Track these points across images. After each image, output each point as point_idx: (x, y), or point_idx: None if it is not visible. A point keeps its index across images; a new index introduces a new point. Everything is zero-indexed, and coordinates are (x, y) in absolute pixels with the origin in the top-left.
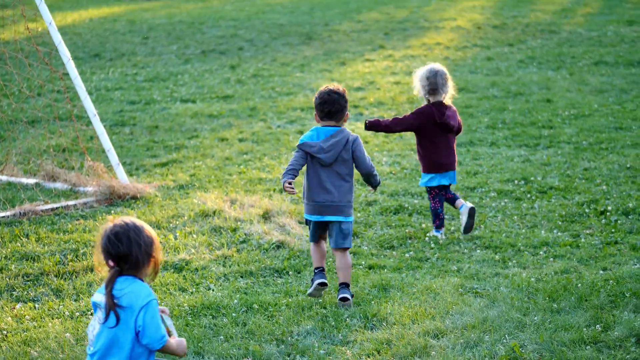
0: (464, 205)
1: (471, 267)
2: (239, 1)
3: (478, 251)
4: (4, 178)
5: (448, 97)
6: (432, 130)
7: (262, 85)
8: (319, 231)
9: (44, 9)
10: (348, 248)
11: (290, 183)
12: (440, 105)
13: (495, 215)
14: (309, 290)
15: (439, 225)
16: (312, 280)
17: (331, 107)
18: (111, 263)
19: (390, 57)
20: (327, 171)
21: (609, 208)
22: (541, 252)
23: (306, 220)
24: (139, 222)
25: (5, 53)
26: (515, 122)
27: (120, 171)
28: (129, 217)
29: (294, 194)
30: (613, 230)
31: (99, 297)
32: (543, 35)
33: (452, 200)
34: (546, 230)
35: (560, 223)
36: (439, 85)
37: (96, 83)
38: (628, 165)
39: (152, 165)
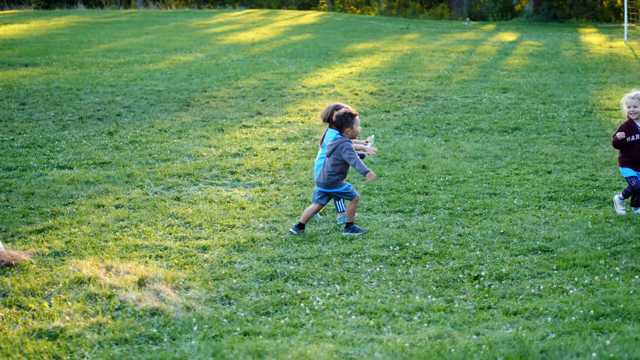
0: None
1: (346, 332)
2: (117, 67)
3: (353, 317)
4: None
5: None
6: None
7: (139, 152)
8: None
9: None
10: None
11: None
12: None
13: (370, 281)
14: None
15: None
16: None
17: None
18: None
19: (267, 123)
20: None
21: (483, 273)
22: (415, 318)
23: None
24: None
25: None
26: (391, 188)
27: None
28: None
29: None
30: (486, 295)
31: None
32: (419, 102)
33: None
34: (420, 295)
35: (434, 288)
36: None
37: None
38: (502, 231)
39: (27, 232)
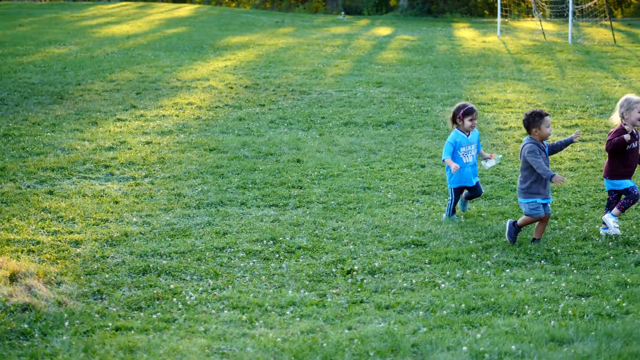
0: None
1: (218, 327)
2: None
3: (225, 312)
4: None
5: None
6: None
7: (12, 145)
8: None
9: None
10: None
11: None
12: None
13: (243, 275)
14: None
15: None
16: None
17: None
18: None
19: (142, 117)
20: None
21: (356, 267)
22: (288, 312)
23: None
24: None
25: None
26: (266, 182)
27: None
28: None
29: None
30: (359, 289)
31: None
32: (294, 96)
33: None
34: (293, 290)
35: (307, 283)
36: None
37: None
38: (375, 225)
39: None
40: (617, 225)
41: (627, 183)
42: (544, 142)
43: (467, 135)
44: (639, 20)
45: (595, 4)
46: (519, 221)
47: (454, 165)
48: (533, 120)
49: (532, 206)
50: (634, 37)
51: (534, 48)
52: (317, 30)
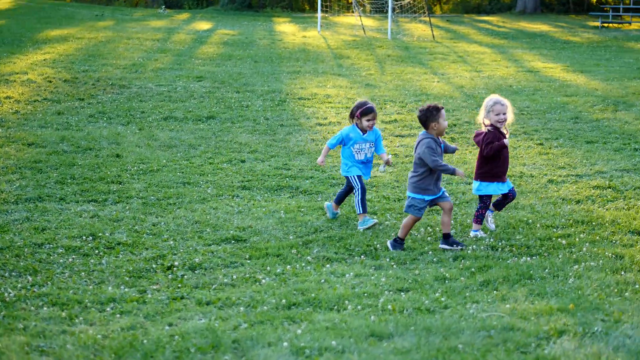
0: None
1: (37, 325)
2: None
3: (45, 308)
4: None
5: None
6: None
7: None
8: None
9: None
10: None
11: None
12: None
13: (63, 272)
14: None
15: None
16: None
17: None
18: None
19: None
20: None
21: (176, 263)
22: (108, 309)
23: None
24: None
25: None
26: (85, 177)
27: None
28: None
29: None
30: (180, 285)
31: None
32: (114, 90)
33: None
34: (113, 286)
35: (127, 279)
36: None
37: None
38: (195, 220)
39: None
40: (480, 234)
41: (493, 189)
42: (439, 137)
43: (363, 134)
44: (457, 17)
45: (414, 0)
46: (400, 232)
47: (320, 159)
48: (431, 115)
49: (415, 202)
50: (453, 33)
51: (354, 43)
52: (137, 24)
